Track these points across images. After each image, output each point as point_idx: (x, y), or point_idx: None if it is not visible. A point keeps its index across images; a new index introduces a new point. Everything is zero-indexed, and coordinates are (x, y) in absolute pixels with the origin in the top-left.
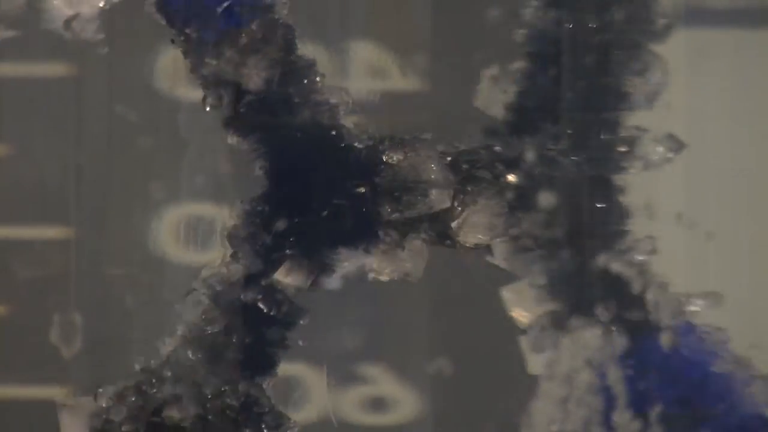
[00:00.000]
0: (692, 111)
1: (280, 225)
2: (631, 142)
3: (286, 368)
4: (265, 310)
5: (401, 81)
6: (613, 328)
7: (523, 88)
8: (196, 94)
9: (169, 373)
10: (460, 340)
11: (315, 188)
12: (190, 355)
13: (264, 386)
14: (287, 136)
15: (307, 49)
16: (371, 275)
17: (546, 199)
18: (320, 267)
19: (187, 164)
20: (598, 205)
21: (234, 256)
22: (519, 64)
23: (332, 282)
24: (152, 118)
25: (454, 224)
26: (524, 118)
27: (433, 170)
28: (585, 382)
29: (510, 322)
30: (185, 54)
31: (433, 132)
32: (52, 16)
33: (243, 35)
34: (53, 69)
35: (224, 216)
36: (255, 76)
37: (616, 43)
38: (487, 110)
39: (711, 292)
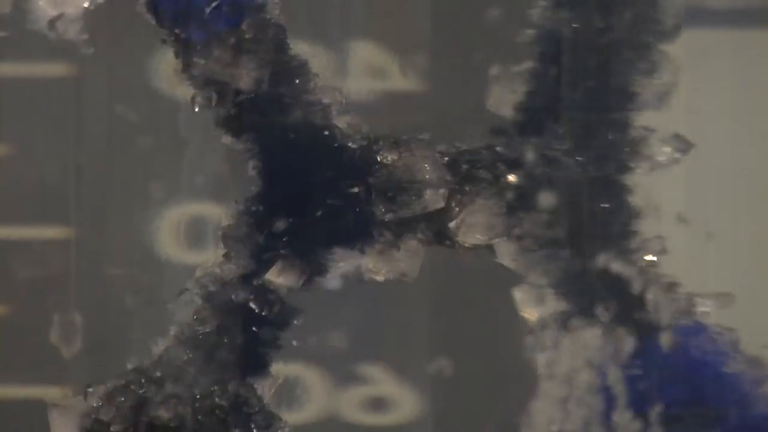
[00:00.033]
0: (692, 111)
1: (273, 225)
2: (639, 142)
3: (285, 368)
4: (256, 311)
5: (401, 81)
6: (621, 329)
7: (531, 88)
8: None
9: (158, 373)
10: (460, 340)
11: (309, 188)
12: (182, 355)
13: (256, 386)
14: (280, 136)
15: (300, 48)
16: (367, 275)
17: (548, 199)
18: (313, 267)
19: (187, 164)
20: (604, 206)
21: (227, 256)
22: (527, 64)
23: (332, 282)
24: (152, 118)
25: (452, 224)
26: (532, 119)
27: (428, 170)
28: (585, 382)
29: (510, 321)
30: (176, 54)
31: (433, 132)
32: (37, 17)
33: (233, 35)
34: (53, 69)
35: (221, 216)
36: (245, 76)
37: (624, 43)
38: (497, 110)
39: (722, 293)
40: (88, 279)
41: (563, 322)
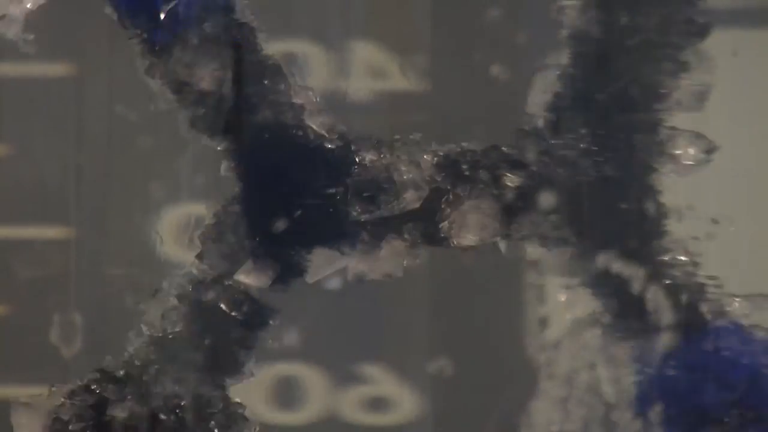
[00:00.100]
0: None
1: (249, 225)
2: (664, 143)
3: (285, 368)
4: (227, 311)
5: (401, 81)
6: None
7: (561, 89)
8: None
9: (121, 372)
10: (460, 340)
11: (286, 189)
12: (149, 355)
13: (226, 387)
14: (255, 136)
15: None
16: (351, 276)
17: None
18: (286, 268)
19: (187, 164)
20: (627, 206)
21: (199, 256)
22: (561, 65)
23: (332, 282)
24: (152, 118)
25: (443, 225)
26: (561, 119)
27: (405, 171)
28: (585, 382)
29: (510, 321)
30: (142, 53)
31: (432, 132)
32: None
33: (194, 36)
34: (53, 69)
35: (203, 216)
36: (207, 77)
37: (655, 43)
38: (533, 112)
39: (759, 294)
40: (88, 279)
41: (597, 322)
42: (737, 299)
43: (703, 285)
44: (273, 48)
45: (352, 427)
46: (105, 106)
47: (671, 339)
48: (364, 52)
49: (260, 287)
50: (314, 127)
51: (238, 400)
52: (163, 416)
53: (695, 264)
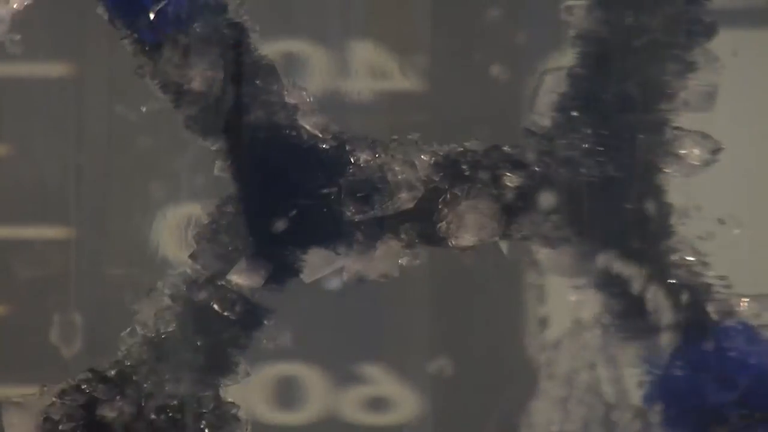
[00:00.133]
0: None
1: (243, 226)
2: (669, 143)
3: (284, 368)
4: (219, 311)
5: (401, 81)
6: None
7: (567, 89)
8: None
9: (112, 372)
10: (460, 340)
11: (280, 189)
12: (142, 355)
13: (219, 387)
14: (249, 136)
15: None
16: (347, 275)
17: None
18: (282, 268)
19: (187, 164)
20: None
21: (193, 256)
22: (567, 65)
23: (332, 282)
24: (152, 118)
25: (441, 225)
26: (566, 119)
27: (399, 171)
28: (585, 382)
29: (510, 321)
30: (133, 53)
31: (431, 132)
32: None
33: (184, 36)
34: (53, 69)
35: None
36: (197, 77)
37: (661, 43)
38: (539, 113)
39: (764, 294)
40: (88, 279)
41: (604, 322)
42: (746, 299)
43: (710, 285)
44: (273, 48)
45: (352, 427)
46: (105, 106)
47: (678, 339)
48: (364, 52)
49: (253, 287)
50: (308, 127)
51: (231, 400)
52: (153, 416)
53: (703, 264)
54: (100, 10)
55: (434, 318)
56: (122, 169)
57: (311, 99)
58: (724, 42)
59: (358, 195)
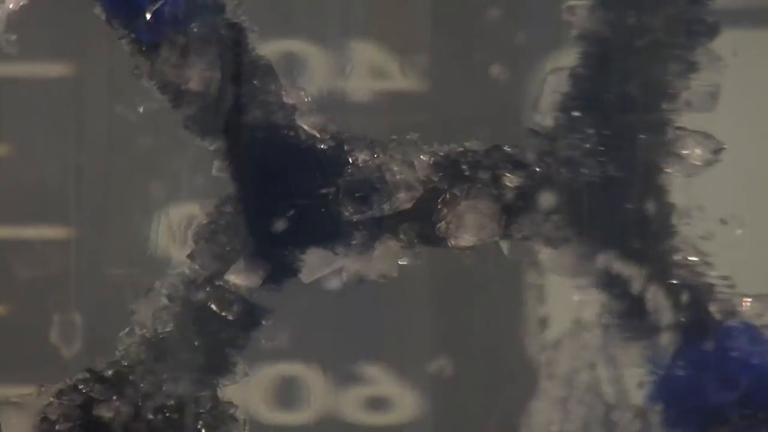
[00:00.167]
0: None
1: (242, 226)
2: (672, 143)
3: (285, 368)
4: (217, 311)
5: (401, 81)
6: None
7: (569, 89)
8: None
9: (109, 372)
10: (460, 340)
11: (279, 189)
12: (139, 355)
13: (217, 387)
14: (247, 137)
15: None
16: (346, 276)
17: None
18: (280, 268)
19: (187, 164)
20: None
21: (191, 256)
22: (570, 65)
23: (332, 282)
24: (152, 118)
25: (440, 225)
26: (568, 119)
27: (397, 171)
28: (585, 382)
29: (510, 321)
30: (131, 53)
31: (431, 132)
32: None
33: (181, 36)
34: (53, 69)
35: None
36: (195, 77)
37: (663, 43)
38: (543, 112)
39: (766, 294)
40: (88, 279)
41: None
42: (748, 299)
43: (713, 285)
44: (273, 48)
45: (352, 427)
46: (105, 106)
47: (681, 339)
48: (364, 52)
49: (251, 287)
50: (306, 127)
51: (229, 400)
52: (150, 416)
53: (705, 264)
54: (98, 10)
55: (434, 318)
56: (122, 169)
57: (309, 99)
58: (724, 42)
59: (356, 195)
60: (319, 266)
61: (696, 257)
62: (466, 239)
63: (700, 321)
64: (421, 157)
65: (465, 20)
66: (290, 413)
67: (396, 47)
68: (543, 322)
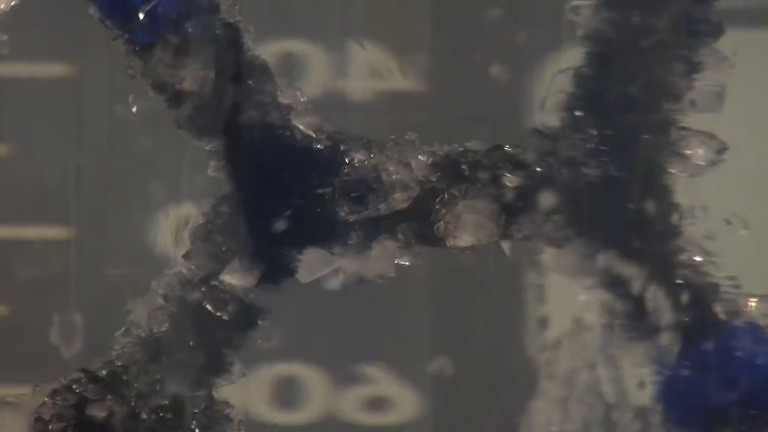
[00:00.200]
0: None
1: (238, 225)
2: (674, 143)
3: (285, 368)
4: (212, 311)
5: (401, 81)
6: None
7: (574, 89)
8: None
9: (103, 372)
10: (460, 340)
11: (275, 189)
12: (135, 355)
13: (214, 387)
14: (242, 137)
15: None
16: (343, 276)
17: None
18: (277, 268)
19: (187, 164)
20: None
21: (187, 255)
22: (576, 65)
23: (332, 282)
24: (152, 118)
25: (439, 225)
26: (573, 119)
27: (394, 171)
28: (585, 382)
29: (510, 321)
30: (125, 53)
31: (431, 132)
32: None
33: (175, 36)
34: (53, 69)
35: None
36: (189, 77)
37: (668, 43)
38: (547, 112)
39: None
40: (88, 279)
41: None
42: (753, 299)
43: (717, 285)
44: (273, 48)
45: (352, 427)
46: (105, 106)
47: (686, 339)
48: (364, 52)
49: (247, 287)
50: (301, 127)
51: (227, 400)
52: (144, 416)
53: (710, 264)
54: (92, 11)
55: (434, 318)
56: (122, 169)
57: (305, 99)
58: (724, 42)
59: (352, 195)
60: (317, 266)
61: (701, 257)
62: (464, 239)
63: (705, 321)
64: (420, 157)
65: (465, 20)
66: (290, 413)
67: (396, 47)
68: (543, 322)
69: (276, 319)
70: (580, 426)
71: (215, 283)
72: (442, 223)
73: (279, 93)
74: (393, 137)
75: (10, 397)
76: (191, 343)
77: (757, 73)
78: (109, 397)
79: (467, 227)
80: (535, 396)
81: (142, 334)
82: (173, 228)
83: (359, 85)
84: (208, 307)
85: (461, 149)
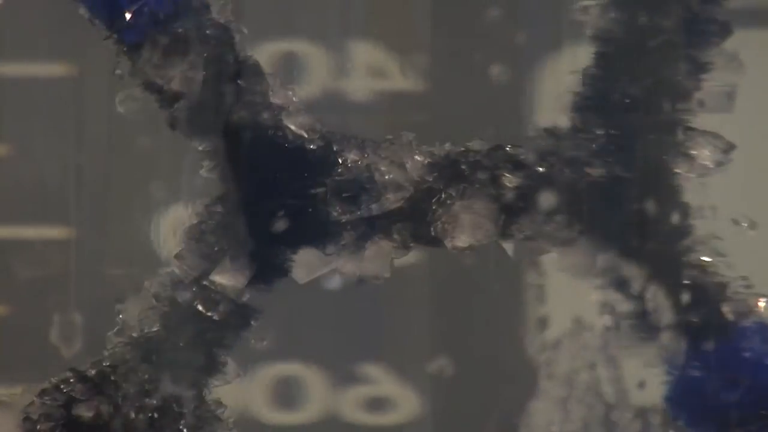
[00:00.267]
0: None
1: (231, 226)
2: (683, 144)
3: (284, 368)
4: (203, 311)
5: (401, 81)
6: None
7: (582, 88)
8: None
9: (92, 372)
10: (460, 340)
11: (267, 189)
12: (125, 355)
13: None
14: (235, 137)
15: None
16: (339, 276)
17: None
18: (270, 268)
19: (187, 164)
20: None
21: (179, 255)
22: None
23: (332, 282)
24: (152, 118)
25: (436, 225)
26: (582, 119)
27: (386, 171)
28: (585, 382)
29: (510, 321)
30: (116, 53)
31: (431, 132)
32: None
33: (164, 36)
34: (53, 69)
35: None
36: (177, 77)
37: (676, 43)
38: (554, 111)
39: None
40: (88, 279)
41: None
42: (763, 299)
43: (726, 285)
44: (272, 48)
45: (352, 427)
46: (105, 106)
47: (695, 339)
48: (364, 52)
49: (238, 287)
50: (293, 127)
51: (218, 399)
52: (133, 416)
53: (721, 264)
54: (82, 11)
55: (434, 318)
56: (122, 169)
57: (296, 99)
58: (731, 42)
59: (344, 195)
60: (314, 267)
61: (710, 257)
62: (462, 240)
63: (714, 321)
64: (416, 157)
65: (465, 20)
66: (290, 413)
67: (396, 47)
68: (543, 322)
69: (275, 320)
70: (580, 426)
71: (207, 283)
72: (439, 223)
73: (271, 93)
74: (389, 137)
75: (2, 396)
76: (182, 343)
77: (758, 73)
78: (98, 397)
79: (465, 227)
80: (535, 396)
81: (134, 334)
82: (174, 228)
83: (359, 85)
84: (199, 307)
85: (461, 149)
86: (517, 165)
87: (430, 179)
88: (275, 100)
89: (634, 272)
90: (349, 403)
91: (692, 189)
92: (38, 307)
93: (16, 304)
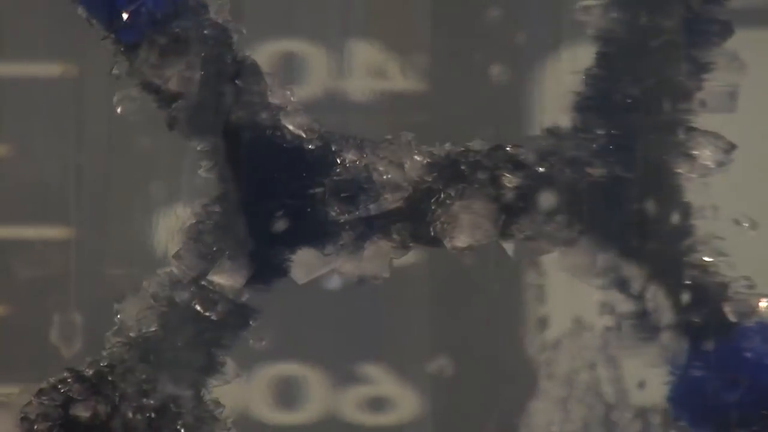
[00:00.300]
0: None
1: (229, 226)
2: (685, 144)
3: (285, 368)
4: (201, 311)
5: (401, 81)
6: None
7: (584, 88)
8: None
9: (89, 372)
10: (460, 340)
11: (266, 189)
12: (123, 355)
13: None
14: (233, 137)
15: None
16: (338, 276)
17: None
18: (268, 268)
19: (187, 164)
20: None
21: (177, 255)
22: (584, 64)
23: (332, 282)
24: (152, 118)
25: (435, 225)
26: (584, 118)
27: (384, 171)
28: (585, 382)
29: (510, 321)
30: (114, 53)
31: (431, 132)
32: None
33: (161, 36)
34: (53, 69)
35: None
36: (174, 77)
37: (678, 43)
38: (555, 111)
39: None
40: (88, 279)
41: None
42: (765, 299)
43: (727, 285)
44: (272, 48)
45: (352, 427)
46: (105, 106)
47: (696, 339)
48: (364, 52)
49: (236, 287)
50: (291, 127)
51: (216, 399)
52: (131, 416)
53: (723, 264)
54: (80, 11)
55: (434, 318)
56: (122, 169)
57: (295, 99)
58: (733, 42)
59: (342, 195)
60: (313, 267)
61: (711, 257)
62: (461, 240)
63: (716, 321)
64: (415, 157)
65: (465, 20)
66: (290, 413)
67: (396, 47)
68: (543, 322)
69: (274, 320)
70: (580, 426)
71: (205, 283)
72: (438, 223)
73: (269, 93)
74: (388, 137)
75: (0, 396)
76: (180, 344)
77: (758, 73)
78: (95, 397)
79: (464, 228)
80: (535, 396)
81: (132, 334)
82: (175, 228)
83: (359, 85)
84: (198, 307)
85: (461, 149)
86: (517, 165)
87: (430, 179)
88: (273, 100)
89: (634, 272)
90: (349, 403)
91: (693, 189)
92: (38, 307)
93: (16, 304)
